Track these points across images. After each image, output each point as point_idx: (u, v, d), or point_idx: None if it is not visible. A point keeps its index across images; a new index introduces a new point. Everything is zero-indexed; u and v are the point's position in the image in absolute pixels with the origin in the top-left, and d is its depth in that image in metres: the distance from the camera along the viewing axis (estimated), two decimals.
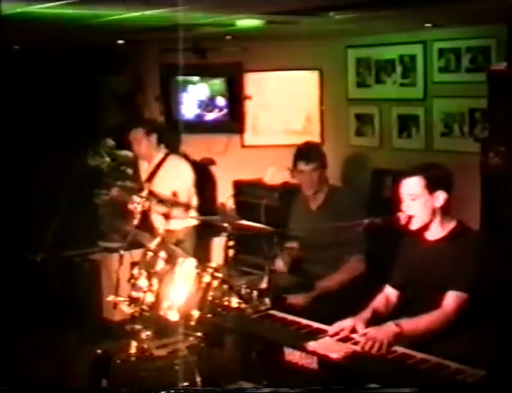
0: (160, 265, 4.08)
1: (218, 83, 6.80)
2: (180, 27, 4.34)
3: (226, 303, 3.78)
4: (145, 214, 5.43)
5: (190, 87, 6.81)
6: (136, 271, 4.06)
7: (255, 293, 3.81)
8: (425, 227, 3.51)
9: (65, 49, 6.25)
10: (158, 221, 5.58)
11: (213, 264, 3.94)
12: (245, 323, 3.72)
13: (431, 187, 3.45)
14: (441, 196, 3.46)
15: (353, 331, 3.42)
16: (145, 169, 5.87)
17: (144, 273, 4.03)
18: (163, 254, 4.10)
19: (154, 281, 4.02)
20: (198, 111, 6.85)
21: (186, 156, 6.21)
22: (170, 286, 3.94)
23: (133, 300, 4.02)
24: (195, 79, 6.79)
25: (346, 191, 5.31)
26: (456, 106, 5.77)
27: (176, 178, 5.65)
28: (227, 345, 3.98)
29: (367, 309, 3.61)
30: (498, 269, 3.42)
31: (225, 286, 3.82)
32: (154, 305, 3.98)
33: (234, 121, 6.88)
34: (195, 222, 5.68)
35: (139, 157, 5.84)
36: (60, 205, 4.90)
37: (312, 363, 3.16)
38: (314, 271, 4.65)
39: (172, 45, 5.19)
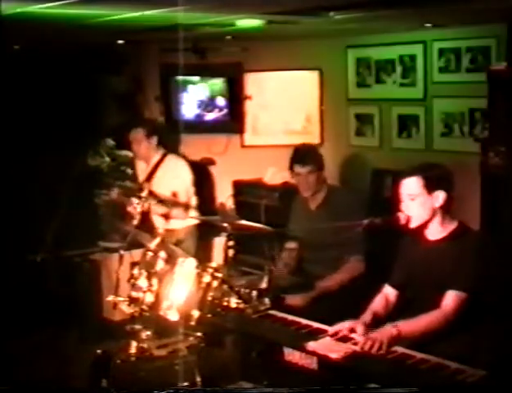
0: (160, 265, 4.08)
1: (218, 83, 6.80)
2: (180, 27, 4.34)
3: (225, 303, 3.77)
4: (145, 215, 5.44)
5: (190, 87, 6.81)
6: (136, 271, 4.06)
7: (255, 293, 3.81)
8: (425, 226, 3.51)
9: (65, 49, 6.25)
10: (158, 221, 5.58)
11: (213, 264, 3.94)
12: (245, 323, 3.72)
13: (430, 187, 3.45)
14: (440, 196, 3.46)
15: (353, 331, 3.42)
16: (142, 169, 5.87)
17: (144, 273, 4.03)
18: (163, 254, 4.11)
19: (154, 281, 4.02)
20: (198, 111, 6.85)
21: (184, 156, 6.21)
22: (170, 286, 3.94)
23: (133, 300, 4.02)
24: (195, 79, 6.79)
25: (345, 190, 5.32)
26: (456, 106, 5.77)
27: (174, 179, 5.65)
28: (227, 345, 3.98)
29: (367, 311, 3.61)
30: (498, 269, 3.42)
31: (225, 287, 3.82)
32: (154, 305, 3.98)
33: (234, 121, 6.88)
34: (194, 222, 5.69)
35: (137, 157, 5.85)
36: (60, 205, 4.89)
37: (311, 363, 3.16)
38: (314, 271, 4.65)
39: (172, 45, 5.18)
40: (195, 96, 6.83)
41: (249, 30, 5.27)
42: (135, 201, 4.63)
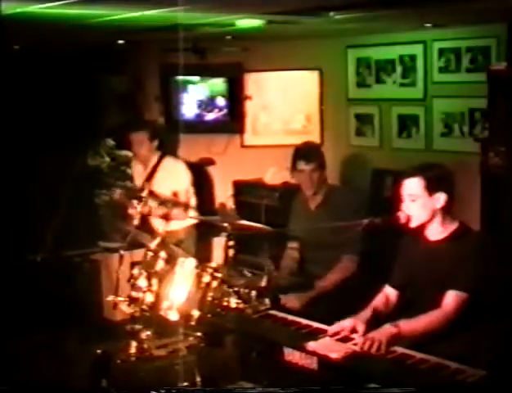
0: (160, 265, 4.08)
1: (218, 83, 6.80)
2: (180, 27, 4.34)
3: (225, 303, 3.77)
4: (145, 215, 5.44)
5: (190, 87, 6.81)
6: (136, 271, 4.06)
7: (254, 293, 3.81)
8: (425, 227, 3.51)
9: (65, 49, 6.25)
10: (158, 221, 5.58)
11: (213, 264, 3.94)
12: (245, 323, 3.72)
13: (431, 189, 3.44)
14: (441, 198, 3.45)
15: (353, 331, 3.42)
16: (140, 171, 5.88)
17: (144, 273, 4.03)
18: (163, 254, 4.10)
19: (154, 281, 4.02)
20: (198, 111, 6.85)
21: (183, 157, 6.21)
22: (170, 286, 3.94)
23: (133, 300, 4.02)
24: (195, 79, 6.79)
25: (345, 190, 5.32)
26: (456, 106, 5.77)
27: (173, 179, 5.66)
28: (227, 345, 3.97)
29: (367, 308, 3.61)
30: (498, 269, 3.42)
31: (225, 287, 3.82)
32: (154, 305, 3.98)
33: (234, 121, 6.89)
34: (194, 222, 5.69)
35: (137, 159, 5.85)
36: (60, 205, 4.89)
37: (311, 363, 3.16)
38: (314, 271, 4.65)
39: (172, 45, 5.18)
40: (195, 96, 6.83)
41: (249, 30, 5.27)
42: (135, 201, 4.63)
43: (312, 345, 3.24)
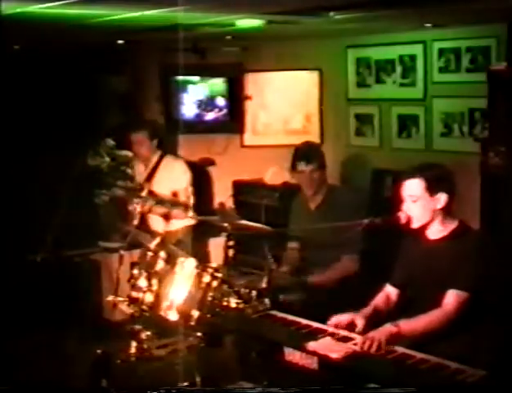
0: (160, 265, 4.08)
1: (218, 83, 6.80)
2: (180, 27, 4.34)
3: (225, 303, 3.77)
4: (145, 215, 5.44)
5: (190, 87, 6.81)
6: (136, 271, 4.06)
7: (255, 293, 3.81)
8: (426, 227, 3.51)
9: (65, 49, 6.25)
10: (157, 221, 5.58)
11: (213, 264, 3.94)
12: (245, 323, 3.72)
13: (432, 190, 3.43)
14: (442, 198, 3.45)
15: (352, 325, 3.43)
16: (140, 170, 5.88)
17: (144, 273, 4.03)
18: (163, 254, 4.10)
19: (154, 281, 4.02)
20: (198, 111, 6.85)
21: (183, 156, 6.21)
22: (170, 286, 3.94)
23: (133, 300, 4.02)
24: (195, 79, 6.79)
25: (345, 189, 5.33)
26: (456, 106, 5.77)
27: (173, 179, 5.66)
28: (227, 345, 3.98)
29: (368, 306, 3.62)
30: (498, 269, 3.42)
31: (225, 287, 3.82)
32: (154, 305, 3.98)
33: (234, 121, 6.89)
34: (194, 222, 5.69)
35: (137, 158, 5.85)
36: (60, 205, 4.89)
37: (312, 363, 3.16)
38: (314, 271, 4.65)
39: (172, 45, 5.19)
40: (195, 96, 6.83)
41: (249, 30, 5.27)
42: (135, 201, 4.64)
43: (312, 345, 3.23)
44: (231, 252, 4.09)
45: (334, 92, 6.68)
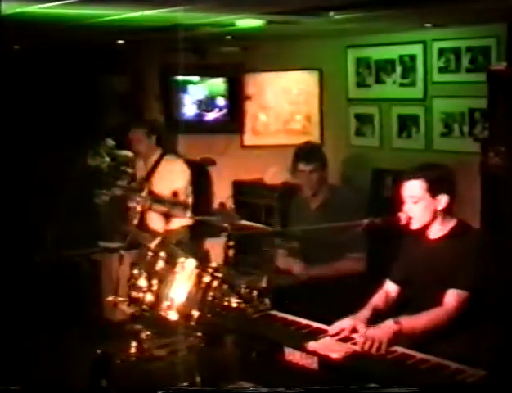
0: (160, 265, 4.08)
1: (218, 83, 6.80)
2: (180, 27, 4.34)
3: (226, 303, 3.77)
4: (145, 214, 5.44)
5: (190, 87, 6.81)
6: (136, 271, 4.06)
7: (255, 293, 3.81)
8: (426, 227, 3.51)
9: (65, 49, 6.24)
10: (157, 221, 5.58)
11: (213, 264, 3.94)
12: (245, 323, 3.72)
13: (433, 191, 3.43)
14: (443, 200, 3.44)
15: (354, 330, 3.42)
16: (141, 168, 5.88)
17: (144, 273, 4.03)
18: (163, 254, 4.10)
19: (155, 281, 4.02)
20: (198, 111, 6.85)
21: (182, 156, 6.21)
22: (170, 286, 3.94)
23: (133, 300, 4.02)
24: (195, 79, 6.79)
25: (345, 190, 5.32)
26: (456, 106, 5.77)
27: (173, 178, 5.66)
28: (227, 345, 3.98)
29: (366, 307, 3.61)
30: (498, 269, 3.42)
31: (225, 286, 3.82)
32: (154, 305, 3.98)
33: (234, 121, 6.88)
34: (194, 222, 5.68)
35: (137, 156, 5.85)
36: (60, 205, 4.89)
37: (312, 363, 3.16)
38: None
39: (172, 45, 5.19)
40: (195, 96, 6.83)
41: (249, 30, 5.27)
42: (135, 200, 4.64)
43: (312, 345, 3.24)
44: (231, 252, 4.08)
45: (334, 92, 6.68)
